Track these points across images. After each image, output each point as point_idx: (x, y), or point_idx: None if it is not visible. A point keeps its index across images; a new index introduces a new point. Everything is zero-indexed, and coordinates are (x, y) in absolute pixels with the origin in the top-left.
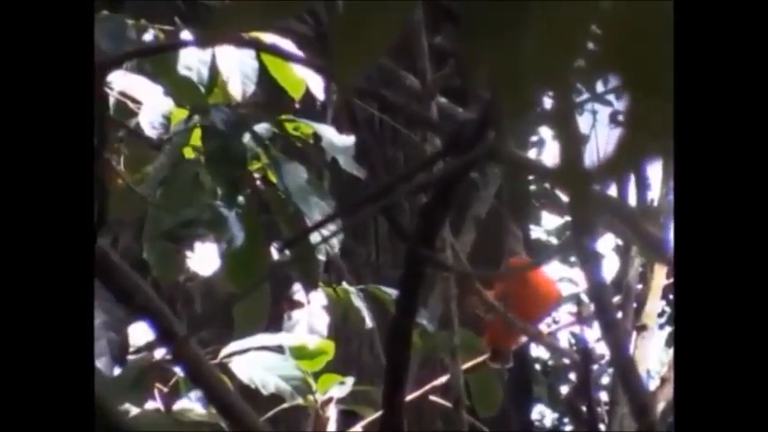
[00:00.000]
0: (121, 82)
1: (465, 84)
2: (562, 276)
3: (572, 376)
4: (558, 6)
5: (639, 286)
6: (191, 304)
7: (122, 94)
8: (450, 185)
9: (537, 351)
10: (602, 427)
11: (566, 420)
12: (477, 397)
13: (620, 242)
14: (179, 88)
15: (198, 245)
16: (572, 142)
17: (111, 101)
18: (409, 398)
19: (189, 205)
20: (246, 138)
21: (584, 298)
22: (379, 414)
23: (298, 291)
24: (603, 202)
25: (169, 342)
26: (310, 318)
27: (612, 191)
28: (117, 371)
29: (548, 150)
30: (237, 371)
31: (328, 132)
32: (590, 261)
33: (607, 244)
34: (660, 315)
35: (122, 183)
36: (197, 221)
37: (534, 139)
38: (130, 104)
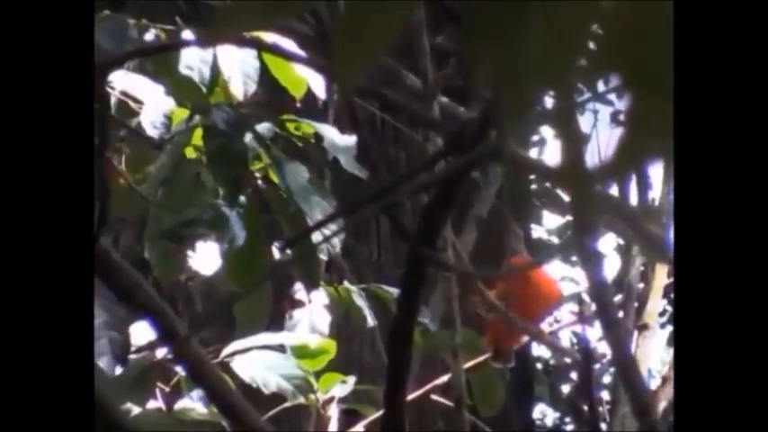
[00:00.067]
0: (123, 81)
1: (466, 83)
2: (563, 276)
3: (573, 375)
4: (558, 6)
5: (641, 285)
6: (192, 303)
7: (124, 93)
8: (451, 185)
9: (538, 350)
10: (603, 426)
11: (567, 420)
12: (479, 396)
13: (621, 241)
14: (180, 88)
15: (199, 244)
16: (573, 142)
17: (113, 100)
18: (411, 397)
19: (190, 205)
20: (248, 137)
21: (586, 297)
22: (380, 413)
23: (299, 290)
24: (605, 201)
25: (170, 341)
26: (312, 317)
27: (614, 190)
28: (118, 370)
29: (549, 150)
30: (239, 370)
31: (330, 132)
32: (591, 260)
33: (608, 243)
34: (661, 314)
35: (124, 182)
36: (198, 221)
37: (535, 138)
38: (132, 104)
